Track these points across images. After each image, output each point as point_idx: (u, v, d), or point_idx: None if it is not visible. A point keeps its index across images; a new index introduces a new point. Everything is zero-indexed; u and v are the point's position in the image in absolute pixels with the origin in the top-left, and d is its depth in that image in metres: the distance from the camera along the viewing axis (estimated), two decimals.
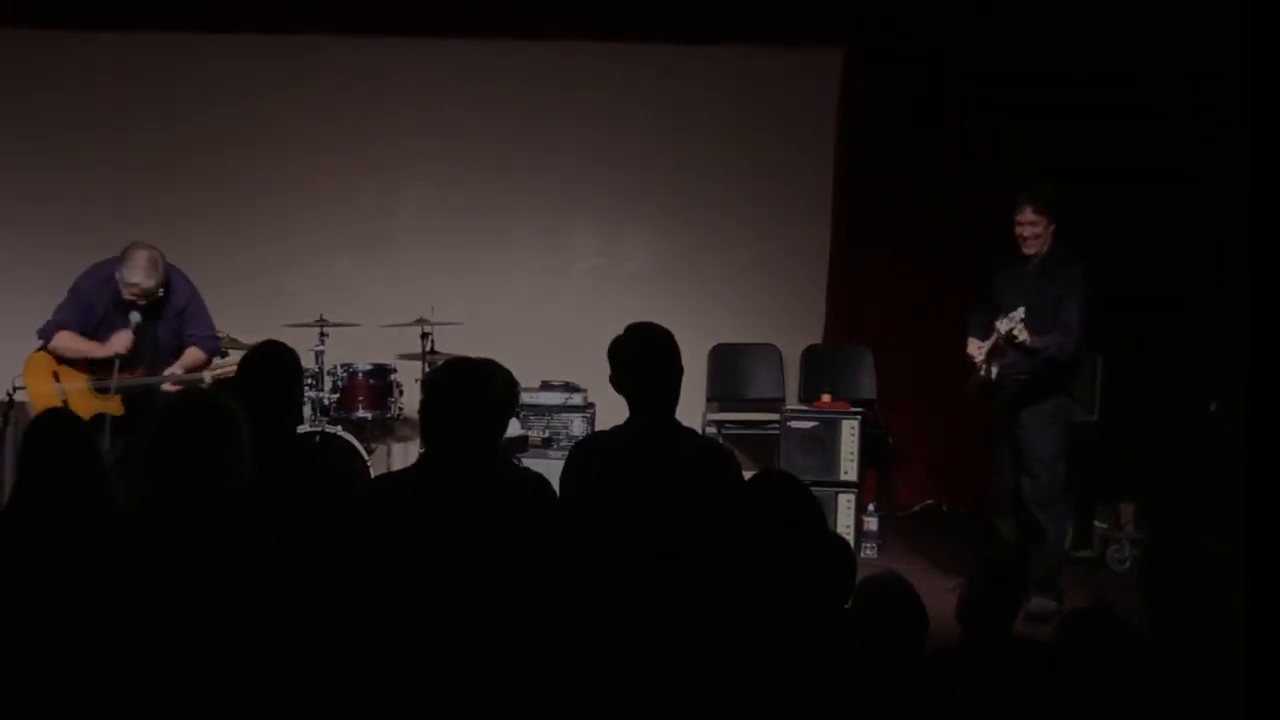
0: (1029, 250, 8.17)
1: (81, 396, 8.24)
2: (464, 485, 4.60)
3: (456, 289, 10.17)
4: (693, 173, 10.81)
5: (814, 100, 10.87)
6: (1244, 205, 8.71)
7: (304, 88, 10.74)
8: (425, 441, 4.85)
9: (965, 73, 10.61)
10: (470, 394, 4.65)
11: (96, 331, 8.22)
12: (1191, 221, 9.99)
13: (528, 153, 10.77)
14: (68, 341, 8.24)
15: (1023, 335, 7.81)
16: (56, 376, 8.31)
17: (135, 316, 8.10)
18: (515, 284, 10.75)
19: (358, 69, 10.76)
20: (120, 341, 8.12)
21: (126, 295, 8.11)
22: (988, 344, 8.10)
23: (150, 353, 8.26)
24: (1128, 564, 9.12)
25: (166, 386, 8.26)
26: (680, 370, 5.33)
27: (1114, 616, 4.84)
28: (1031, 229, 8.12)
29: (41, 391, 8.32)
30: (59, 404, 8.16)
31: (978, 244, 10.32)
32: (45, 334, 8.29)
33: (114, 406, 8.15)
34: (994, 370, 8.15)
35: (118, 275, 8.10)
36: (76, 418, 5.39)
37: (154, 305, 8.22)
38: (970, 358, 8.26)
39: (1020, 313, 7.78)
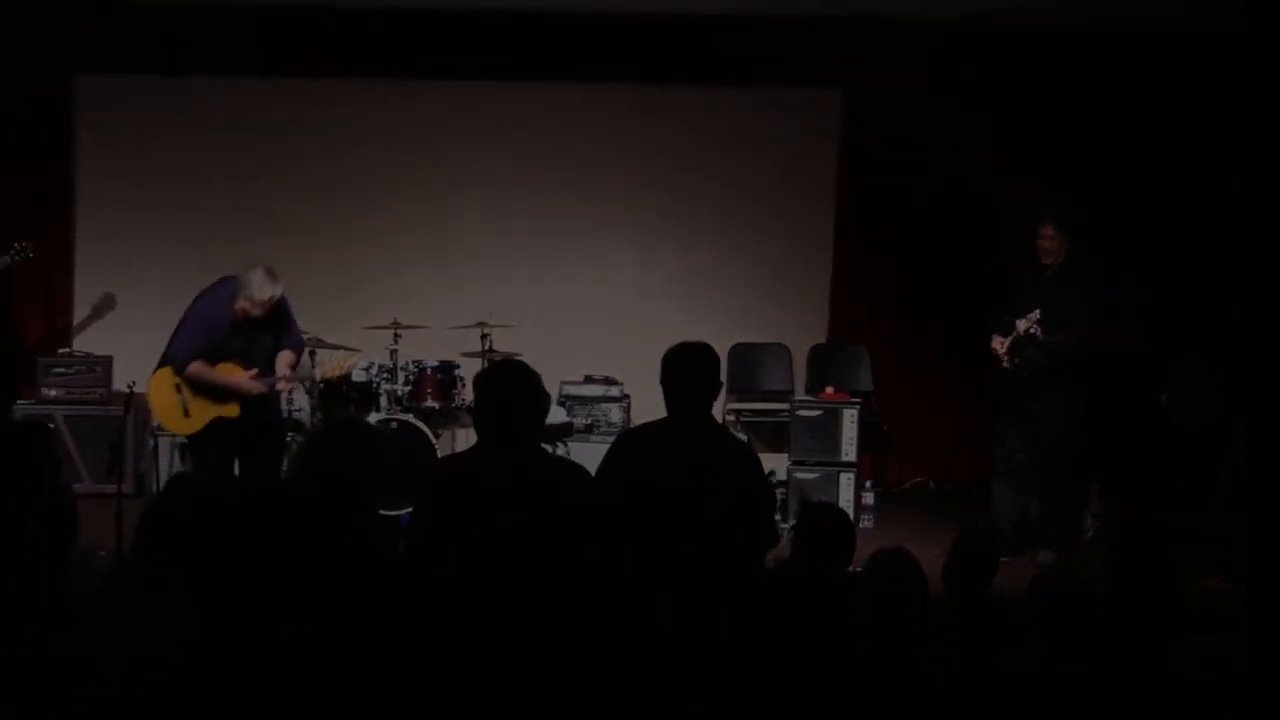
0: (1046, 260, 8.36)
1: (200, 404, 8.14)
2: (512, 465, 4.72)
3: (511, 296, 10.19)
4: (714, 197, 10.84)
5: (818, 136, 10.90)
6: (1209, 214, 8.78)
7: (381, 127, 10.83)
8: (479, 430, 4.92)
9: (952, 108, 10.62)
10: (512, 393, 4.78)
11: (222, 349, 8.09)
12: (1148, 232, 10.05)
13: (571, 181, 10.81)
14: (199, 371, 8.05)
15: (1037, 332, 8.06)
16: (179, 388, 8.17)
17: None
18: (561, 292, 10.78)
19: (425, 110, 10.86)
20: (248, 383, 8.07)
21: (258, 311, 8.00)
22: (1009, 339, 8.26)
23: (260, 359, 8.17)
24: (1090, 534, 9.12)
25: (280, 385, 8.26)
26: (706, 380, 5.44)
27: (1078, 578, 4.87)
28: (1050, 242, 8.31)
29: (165, 403, 8.22)
30: (181, 414, 8.15)
31: (960, 258, 10.38)
32: (178, 363, 8.09)
33: (231, 409, 8.13)
34: (1015, 361, 8.32)
35: (249, 295, 7.96)
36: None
37: (267, 317, 8.13)
38: (994, 351, 8.42)
39: (1036, 314, 8.03)
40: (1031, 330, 8.09)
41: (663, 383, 5.50)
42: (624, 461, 5.40)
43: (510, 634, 4.40)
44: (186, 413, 8.17)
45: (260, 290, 7.97)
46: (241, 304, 8.03)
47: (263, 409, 8.26)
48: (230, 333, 8.11)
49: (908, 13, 10.16)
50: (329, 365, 8.56)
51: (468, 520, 4.65)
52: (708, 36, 10.51)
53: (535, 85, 10.78)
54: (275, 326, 8.28)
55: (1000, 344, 8.39)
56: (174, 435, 10.06)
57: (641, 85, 10.78)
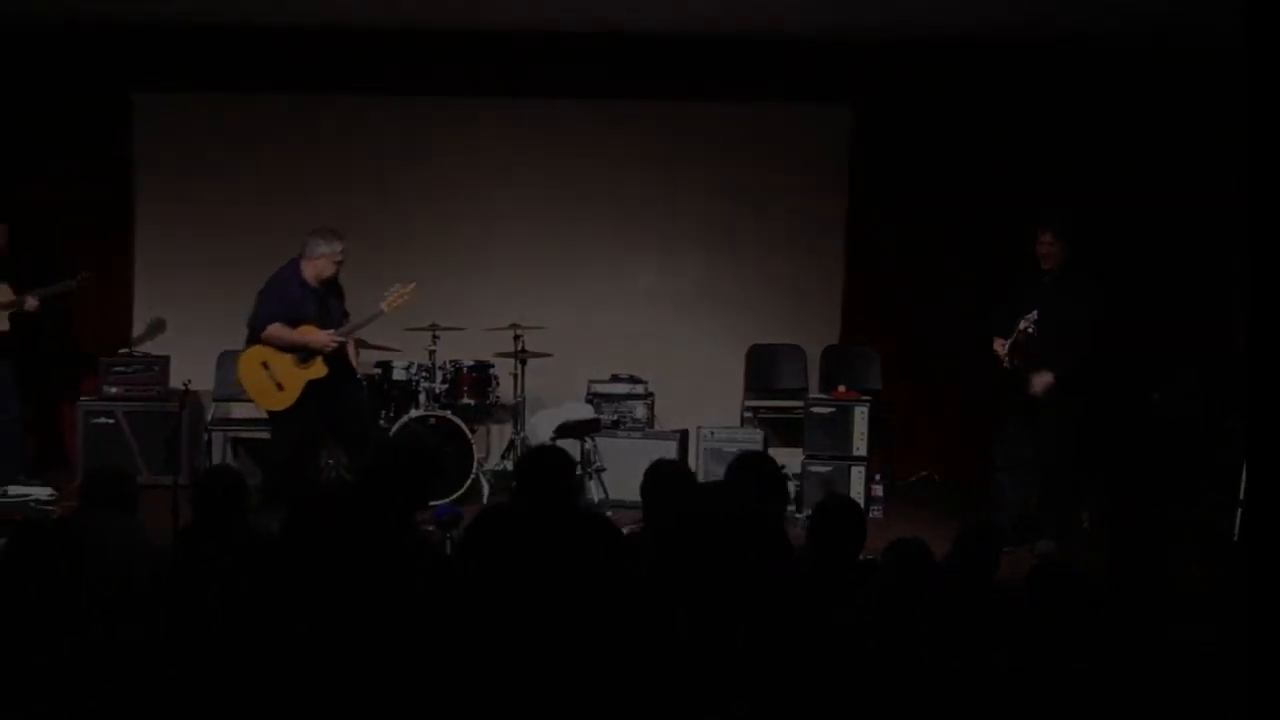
0: (1046, 266, 8.44)
1: (289, 373, 8.35)
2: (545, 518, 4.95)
3: (542, 300, 10.21)
4: (733, 207, 10.86)
5: (830, 151, 10.89)
6: (1203, 221, 8.74)
7: (421, 142, 10.90)
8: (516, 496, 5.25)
9: (955, 122, 10.68)
10: (552, 479, 5.06)
11: (301, 317, 8.34)
12: (1144, 238, 10.03)
13: (598, 192, 10.84)
14: (279, 332, 8.30)
15: (1034, 331, 8.15)
16: (266, 365, 8.38)
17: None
18: (589, 296, 10.79)
19: (462, 127, 10.91)
20: (324, 337, 8.32)
21: (332, 269, 8.39)
22: (1010, 341, 8.33)
23: (332, 322, 8.46)
24: (1085, 525, 9.08)
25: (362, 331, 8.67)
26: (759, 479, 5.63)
27: (1075, 567, 4.85)
28: (1049, 249, 8.41)
29: (257, 383, 8.41)
30: (275, 390, 8.35)
31: (964, 264, 10.37)
32: (258, 327, 8.34)
33: (317, 370, 8.32)
34: (1014, 361, 8.37)
35: (324, 252, 8.34)
36: None
37: (331, 282, 8.46)
38: (996, 353, 8.47)
39: (1034, 315, 8.13)
40: (1029, 330, 8.15)
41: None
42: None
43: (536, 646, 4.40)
44: (280, 387, 8.36)
45: (331, 245, 8.33)
46: (318, 264, 8.35)
47: (341, 363, 8.51)
48: (304, 299, 8.35)
49: (913, 34, 10.16)
50: (393, 297, 8.65)
51: (506, 558, 4.86)
52: (726, 57, 10.58)
53: (567, 103, 10.83)
54: (336, 293, 8.57)
55: (1001, 346, 8.44)
56: (226, 429, 10.16)
57: (663, 102, 10.81)
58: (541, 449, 5.27)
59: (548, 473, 5.12)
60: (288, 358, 8.35)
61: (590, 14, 9.96)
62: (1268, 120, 3.82)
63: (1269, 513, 3.67)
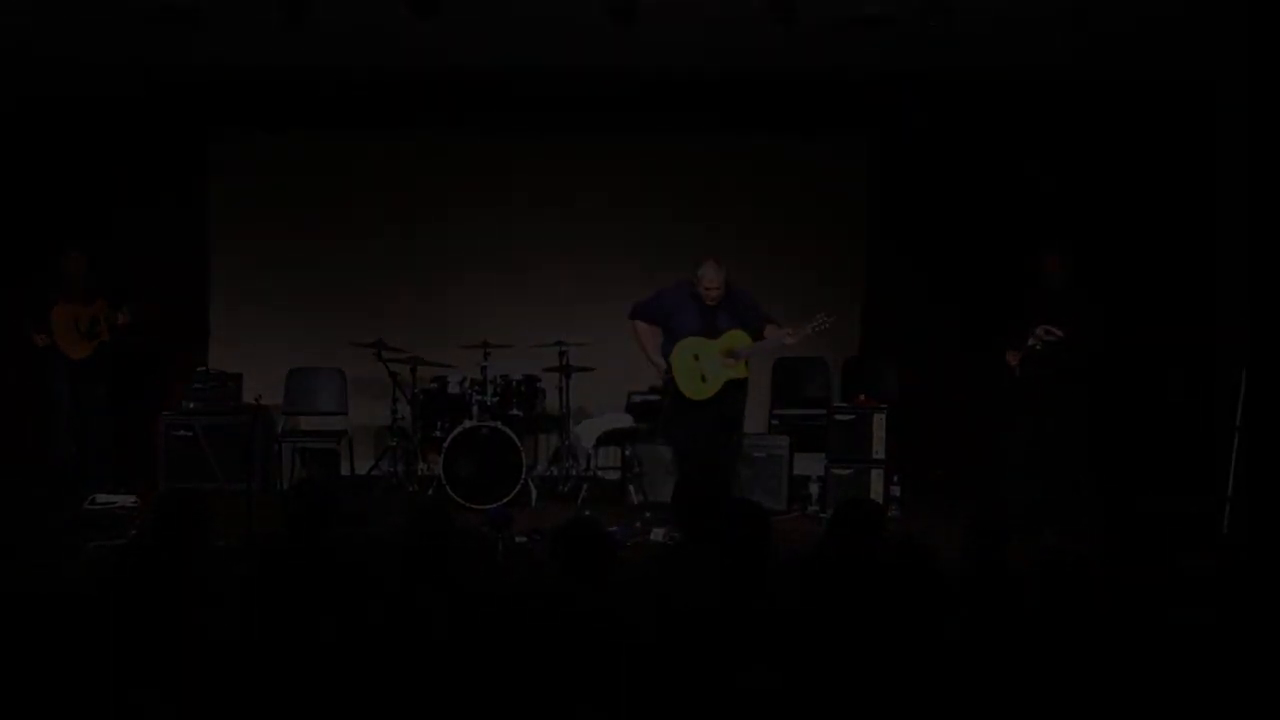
0: (1053, 285, 8.64)
1: (715, 367, 8.56)
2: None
3: (583, 319, 10.21)
4: (760, 230, 10.91)
5: (849, 177, 11.00)
6: (1194, 232, 8.69)
7: (477, 182, 10.97)
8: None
9: (965, 150, 10.70)
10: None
11: (667, 321, 8.63)
12: (1136, 250, 10.01)
13: (638, 222, 10.89)
14: (635, 329, 8.72)
15: (1039, 345, 8.45)
16: (696, 357, 8.56)
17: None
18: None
19: (509, 164, 10.98)
20: (659, 361, 8.63)
21: (712, 294, 8.49)
22: (1023, 351, 8.56)
23: (718, 332, 8.58)
24: (1088, 518, 9.06)
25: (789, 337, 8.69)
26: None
27: (1078, 555, 4.83)
28: (1055, 269, 8.64)
29: (686, 372, 8.58)
30: (698, 380, 8.54)
31: (974, 282, 10.34)
32: (630, 311, 8.74)
33: (739, 371, 8.59)
34: (1025, 370, 8.61)
35: (699, 277, 8.50)
36: None
37: (726, 298, 8.57)
38: (1009, 363, 8.69)
39: (1041, 330, 8.44)
40: (1037, 346, 8.42)
41: None
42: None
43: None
44: (703, 379, 8.54)
45: (705, 274, 8.51)
46: (701, 286, 8.52)
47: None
48: (682, 308, 8.58)
49: (923, 70, 10.14)
50: (817, 323, 8.62)
51: None
52: (752, 94, 10.62)
53: (609, 140, 10.92)
54: (735, 308, 8.66)
55: (1014, 357, 8.63)
56: (295, 440, 10.22)
57: (696, 136, 10.86)
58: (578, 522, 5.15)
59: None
60: (717, 355, 8.55)
61: (625, 58, 9.93)
62: (1267, 132, 3.83)
63: (1263, 507, 3.65)
